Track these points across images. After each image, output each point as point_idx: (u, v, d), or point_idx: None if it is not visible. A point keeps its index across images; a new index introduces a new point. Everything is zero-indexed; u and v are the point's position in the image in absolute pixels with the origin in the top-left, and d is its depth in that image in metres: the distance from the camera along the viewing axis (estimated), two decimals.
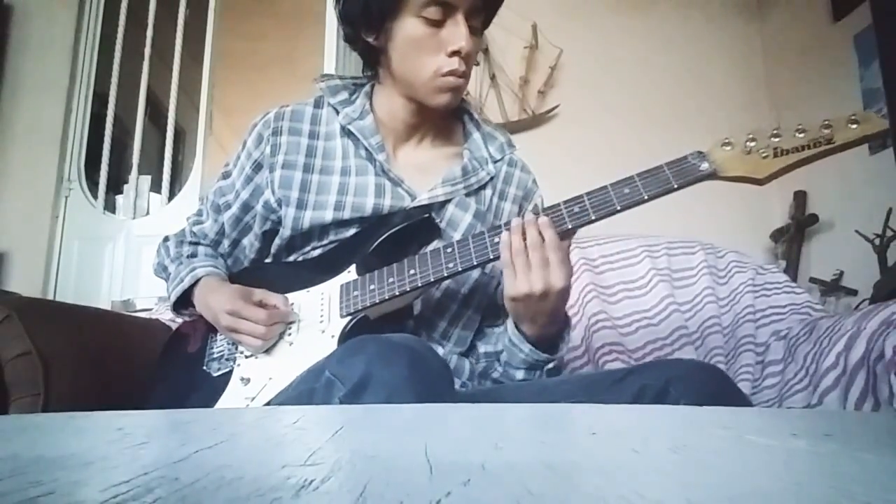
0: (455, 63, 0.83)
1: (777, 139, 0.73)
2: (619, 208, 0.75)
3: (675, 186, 0.74)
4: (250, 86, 3.89)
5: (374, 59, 0.92)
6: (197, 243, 1.01)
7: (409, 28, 0.83)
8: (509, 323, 0.83)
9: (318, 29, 2.58)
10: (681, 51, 2.62)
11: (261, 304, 0.84)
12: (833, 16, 2.30)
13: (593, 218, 0.75)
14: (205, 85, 2.79)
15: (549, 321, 0.79)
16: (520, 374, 0.86)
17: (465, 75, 0.86)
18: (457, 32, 0.82)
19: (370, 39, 0.87)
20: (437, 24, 0.82)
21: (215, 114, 2.89)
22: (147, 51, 2.81)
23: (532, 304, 0.76)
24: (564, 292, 0.75)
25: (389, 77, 0.90)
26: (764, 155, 0.73)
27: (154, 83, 2.86)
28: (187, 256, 0.97)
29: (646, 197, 0.74)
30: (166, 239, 1.03)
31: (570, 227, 0.76)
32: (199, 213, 1.03)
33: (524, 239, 0.75)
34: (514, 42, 2.52)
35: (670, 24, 2.64)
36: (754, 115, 2.50)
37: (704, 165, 0.74)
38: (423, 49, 0.83)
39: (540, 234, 0.75)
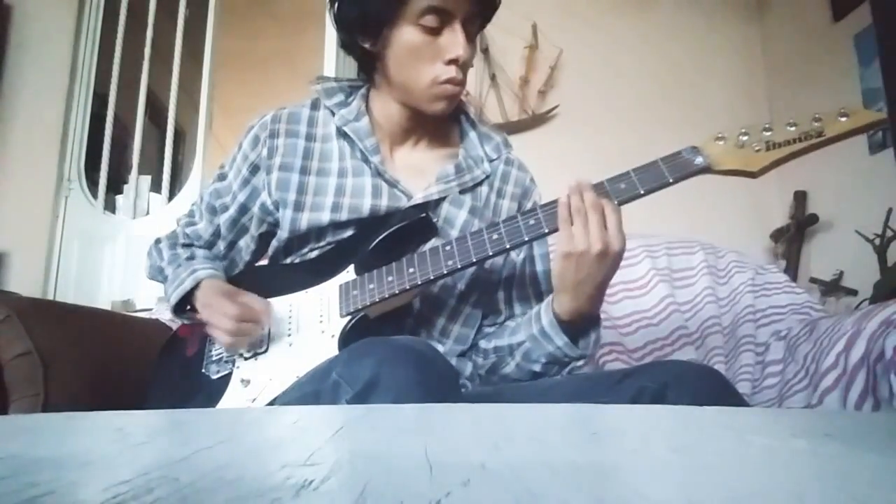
0: (452, 71, 0.83)
1: (769, 133, 0.74)
2: (615, 203, 0.76)
3: (671, 181, 0.75)
4: (250, 86, 3.89)
5: (370, 65, 0.91)
6: (191, 245, 1.00)
7: (406, 36, 0.82)
8: (544, 312, 0.82)
9: (318, 29, 2.58)
10: (681, 51, 2.62)
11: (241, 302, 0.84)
12: (833, 16, 2.30)
13: None
14: (205, 85, 2.78)
15: (594, 292, 0.77)
16: (537, 368, 0.84)
17: (462, 83, 0.86)
18: (455, 41, 0.82)
19: (366, 46, 0.87)
20: (435, 31, 0.82)
21: (215, 114, 2.89)
22: (147, 51, 2.81)
23: (585, 265, 0.74)
24: (619, 258, 0.74)
25: (385, 83, 0.90)
26: (756, 148, 0.74)
27: (154, 83, 2.86)
28: (186, 259, 0.97)
29: (642, 192, 0.75)
30: (158, 241, 1.02)
31: None
32: (191, 215, 1.02)
33: (582, 201, 0.74)
34: (514, 42, 2.52)
35: (670, 24, 2.64)
36: (754, 114, 2.51)
37: (698, 159, 0.75)
38: (420, 57, 0.83)
39: (597, 197, 0.74)
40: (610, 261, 0.74)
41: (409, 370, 0.58)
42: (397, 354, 0.60)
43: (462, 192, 0.91)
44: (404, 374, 0.58)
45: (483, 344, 0.94)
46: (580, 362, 0.83)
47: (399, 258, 0.82)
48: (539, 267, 0.97)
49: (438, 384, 0.61)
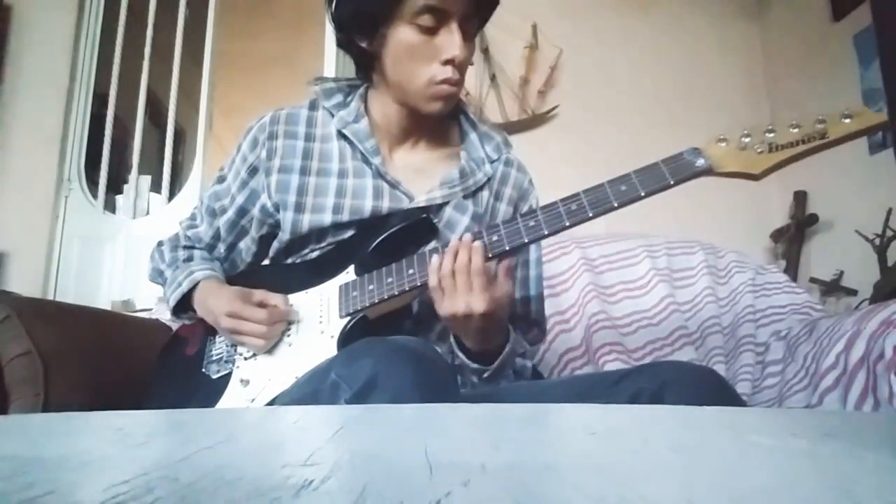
0: (449, 72, 0.83)
1: (772, 135, 0.74)
2: (616, 205, 0.75)
3: (672, 182, 0.74)
4: (250, 86, 3.89)
5: (367, 65, 0.91)
6: (192, 247, 1.00)
7: (402, 35, 0.82)
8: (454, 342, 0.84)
9: (318, 29, 2.58)
10: (681, 51, 2.62)
11: (261, 305, 0.84)
12: (833, 16, 2.30)
13: (590, 215, 0.75)
14: (205, 85, 2.79)
15: (481, 338, 0.79)
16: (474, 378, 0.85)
17: (459, 83, 0.85)
18: (451, 41, 0.81)
19: (363, 45, 0.87)
20: (431, 31, 0.82)
21: (215, 114, 2.89)
22: (147, 51, 2.81)
23: (459, 324, 0.77)
24: (487, 316, 0.75)
25: (383, 82, 0.90)
26: (759, 150, 0.74)
27: (154, 83, 2.86)
28: (183, 261, 0.97)
29: (642, 193, 0.75)
30: (160, 244, 1.03)
31: (567, 224, 0.76)
32: (193, 217, 1.02)
33: (454, 262, 0.76)
34: (514, 42, 2.52)
35: (670, 23, 2.64)
36: (754, 115, 2.51)
37: (700, 161, 0.74)
38: (416, 57, 0.83)
39: (469, 258, 0.75)
40: (477, 319, 0.75)
41: (408, 370, 0.58)
42: (396, 354, 0.60)
43: (465, 196, 0.91)
44: (403, 373, 0.58)
45: None
46: (484, 374, 0.83)
47: (399, 259, 0.82)
48: (532, 271, 0.98)
49: (437, 384, 0.61)
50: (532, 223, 0.78)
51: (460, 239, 0.77)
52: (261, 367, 0.84)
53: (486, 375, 0.83)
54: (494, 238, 0.78)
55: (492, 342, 0.81)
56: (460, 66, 0.84)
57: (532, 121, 2.48)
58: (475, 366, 0.82)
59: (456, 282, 0.75)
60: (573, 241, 1.55)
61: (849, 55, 2.18)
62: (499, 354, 0.82)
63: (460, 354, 0.82)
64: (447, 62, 0.82)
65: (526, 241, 0.78)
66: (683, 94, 2.55)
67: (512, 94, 2.52)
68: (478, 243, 0.76)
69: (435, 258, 0.78)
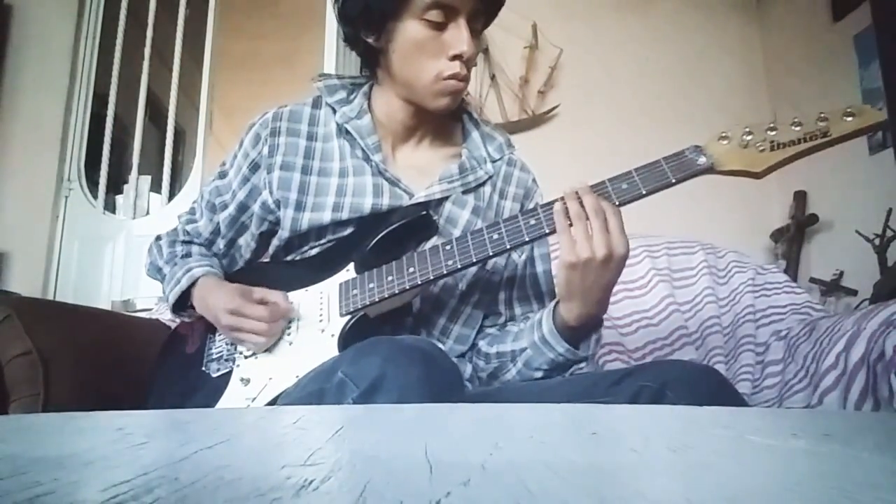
0: (456, 67, 0.83)
1: (773, 133, 0.73)
2: (617, 203, 0.75)
3: (673, 181, 0.74)
4: (250, 86, 3.89)
5: (373, 60, 0.91)
6: (190, 242, 1.00)
7: (410, 31, 0.82)
8: (545, 320, 0.82)
9: (318, 29, 2.58)
10: (681, 50, 2.62)
11: (261, 302, 0.84)
12: (833, 16, 2.30)
13: None
14: (205, 85, 2.78)
15: (601, 297, 0.76)
16: (538, 375, 0.84)
17: (466, 79, 0.85)
18: (459, 36, 0.82)
19: (370, 40, 0.87)
20: (439, 27, 0.82)
21: (215, 114, 2.89)
22: (147, 51, 2.81)
23: (591, 273, 0.73)
24: (624, 260, 0.74)
25: (388, 78, 0.90)
26: (761, 148, 0.73)
27: (154, 83, 2.86)
28: (181, 257, 0.96)
29: (644, 192, 0.74)
30: (158, 238, 1.02)
31: None
32: (192, 212, 1.02)
33: (581, 206, 0.74)
34: (514, 42, 2.53)
35: (670, 23, 2.64)
36: (754, 115, 2.51)
37: (702, 159, 0.74)
38: (424, 52, 0.83)
39: (598, 201, 0.74)
40: (615, 264, 0.73)
41: (415, 369, 0.59)
42: (403, 353, 0.61)
43: (465, 192, 0.91)
44: (410, 372, 0.58)
45: (485, 348, 0.93)
46: (582, 366, 0.83)
47: (399, 256, 0.82)
48: (539, 268, 0.97)
49: (444, 383, 0.61)
50: (533, 221, 0.78)
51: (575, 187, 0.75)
52: (261, 365, 0.84)
53: (583, 367, 0.82)
54: (495, 236, 0.78)
55: (603, 306, 0.79)
56: (467, 62, 0.84)
57: (532, 121, 2.48)
58: (580, 355, 0.80)
59: (591, 224, 0.73)
60: None
61: (849, 55, 2.18)
62: (585, 337, 0.81)
63: (560, 348, 0.80)
64: (455, 57, 0.82)
65: (527, 239, 0.78)
66: (684, 93, 2.56)
67: (512, 94, 2.53)
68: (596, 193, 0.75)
69: (559, 203, 0.75)
